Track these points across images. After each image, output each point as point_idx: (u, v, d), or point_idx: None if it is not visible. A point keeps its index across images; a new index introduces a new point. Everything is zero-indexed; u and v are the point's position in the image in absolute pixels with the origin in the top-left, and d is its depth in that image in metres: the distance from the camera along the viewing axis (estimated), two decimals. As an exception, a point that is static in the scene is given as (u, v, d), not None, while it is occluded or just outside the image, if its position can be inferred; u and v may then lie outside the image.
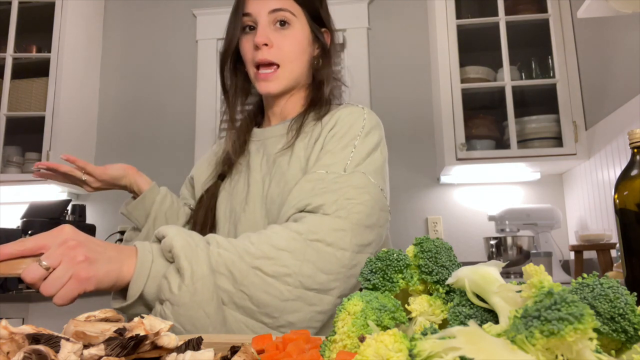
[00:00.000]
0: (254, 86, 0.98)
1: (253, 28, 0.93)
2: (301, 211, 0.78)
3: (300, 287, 0.70)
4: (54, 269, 0.58)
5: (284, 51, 0.91)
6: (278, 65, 0.92)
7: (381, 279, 0.44)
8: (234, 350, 0.39)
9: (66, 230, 0.61)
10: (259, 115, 1.06)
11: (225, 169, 0.99)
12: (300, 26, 0.94)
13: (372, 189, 0.81)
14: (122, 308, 0.66)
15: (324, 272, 0.72)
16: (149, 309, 0.66)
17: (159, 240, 0.68)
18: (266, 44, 0.90)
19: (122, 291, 0.67)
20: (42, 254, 0.59)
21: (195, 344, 0.39)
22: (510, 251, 2.16)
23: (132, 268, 0.64)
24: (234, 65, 1.00)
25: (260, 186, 0.92)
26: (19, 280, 2.15)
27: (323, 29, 0.99)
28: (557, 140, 2.22)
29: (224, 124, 1.02)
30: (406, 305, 0.42)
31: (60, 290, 0.58)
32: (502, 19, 2.31)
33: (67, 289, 0.58)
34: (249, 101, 1.07)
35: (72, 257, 0.58)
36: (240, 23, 0.94)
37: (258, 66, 0.92)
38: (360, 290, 0.45)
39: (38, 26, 2.64)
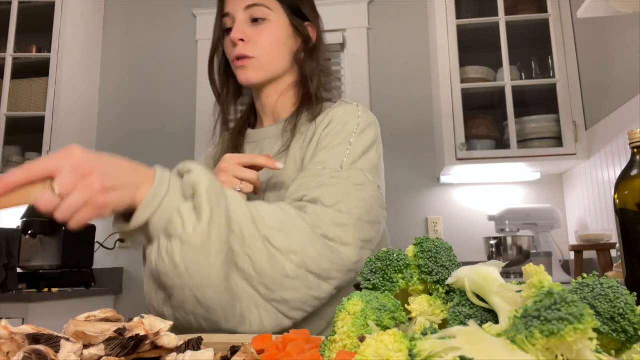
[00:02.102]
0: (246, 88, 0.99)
1: (230, 30, 0.94)
2: (299, 201, 0.77)
3: (302, 267, 0.68)
4: (67, 195, 0.56)
5: (260, 45, 0.92)
6: (253, 57, 0.92)
7: (381, 279, 0.44)
8: (234, 350, 0.39)
9: (77, 155, 0.57)
10: (252, 116, 1.06)
11: None
12: (277, 20, 0.94)
13: (370, 186, 0.80)
14: (122, 232, 0.64)
15: (328, 260, 0.71)
16: (149, 239, 0.63)
17: (181, 175, 0.66)
18: (242, 39, 0.91)
19: (124, 215, 0.64)
20: (51, 177, 0.56)
21: (195, 344, 0.39)
22: (510, 251, 2.16)
23: (144, 194, 0.61)
24: (224, 68, 1.01)
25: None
26: (19, 280, 2.15)
27: (306, 23, 0.98)
28: (557, 140, 2.22)
29: (218, 127, 1.02)
30: (406, 305, 0.42)
31: (75, 216, 0.57)
32: (502, 19, 2.31)
33: (82, 214, 0.57)
34: (243, 103, 1.07)
35: (87, 185, 0.56)
36: (220, 25, 0.96)
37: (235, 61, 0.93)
38: (360, 290, 0.45)
39: (38, 26, 2.64)
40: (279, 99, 0.97)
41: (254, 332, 0.66)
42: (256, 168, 0.83)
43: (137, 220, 0.61)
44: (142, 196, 0.61)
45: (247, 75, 0.92)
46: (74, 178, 0.56)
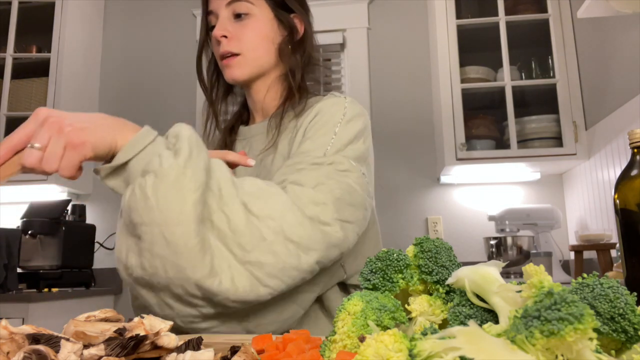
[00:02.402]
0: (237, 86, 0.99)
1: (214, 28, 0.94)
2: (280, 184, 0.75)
3: (280, 233, 0.66)
4: (46, 147, 0.59)
5: (244, 41, 0.91)
6: (239, 54, 0.92)
7: (381, 279, 0.44)
8: (234, 350, 0.39)
9: (43, 111, 0.61)
10: (244, 113, 1.05)
11: None
12: (260, 14, 0.93)
13: (354, 172, 0.78)
14: (101, 171, 0.64)
15: (307, 230, 0.68)
16: (127, 185, 0.63)
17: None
18: (225, 36, 0.90)
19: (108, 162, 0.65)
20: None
21: (195, 344, 0.39)
22: (510, 251, 2.16)
23: (127, 139, 0.63)
24: (214, 67, 1.01)
25: None
26: (19, 280, 2.15)
27: (292, 15, 0.97)
28: (557, 140, 2.22)
29: (209, 126, 1.03)
30: (406, 305, 0.42)
31: (61, 163, 0.59)
32: (502, 19, 2.31)
33: (67, 159, 0.59)
34: (235, 102, 1.08)
35: (58, 129, 0.59)
36: (207, 24, 0.96)
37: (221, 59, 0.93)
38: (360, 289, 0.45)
39: (38, 26, 2.64)
40: (267, 94, 0.96)
41: (224, 291, 0.62)
42: (230, 165, 0.81)
43: (118, 159, 0.62)
44: (124, 141, 0.63)
45: (232, 73, 0.92)
46: (46, 127, 0.59)
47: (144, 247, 0.60)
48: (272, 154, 0.90)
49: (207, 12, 0.95)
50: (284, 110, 0.92)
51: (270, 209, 0.66)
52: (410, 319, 0.42)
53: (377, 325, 0.38)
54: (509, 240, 2.16)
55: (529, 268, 0.37)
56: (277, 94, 0.97)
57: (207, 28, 0.96)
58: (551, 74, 2.34)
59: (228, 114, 1.08)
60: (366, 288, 0.44)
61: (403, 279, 0.44)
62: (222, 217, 0.63)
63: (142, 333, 0.37)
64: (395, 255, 0.44)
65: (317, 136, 0.81)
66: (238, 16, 0.92)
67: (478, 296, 0.38)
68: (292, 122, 0.91)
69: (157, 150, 0.62)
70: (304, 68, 0.96)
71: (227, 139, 0.99)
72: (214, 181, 0.64)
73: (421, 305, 0.42)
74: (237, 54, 0.91)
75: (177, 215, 0.59)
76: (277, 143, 0.90)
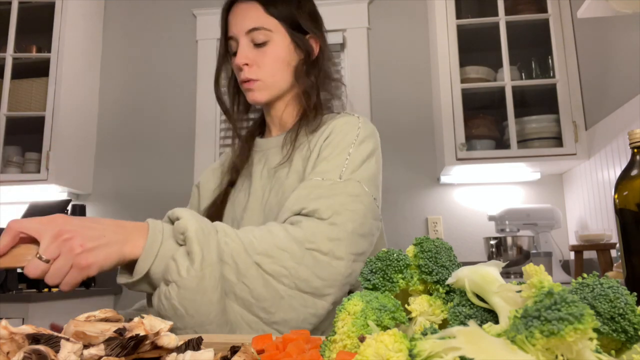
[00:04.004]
0: None
1: (236, 53, 0.97)
2: (296, 214, 0.79)
3: (295, 288, 0.71)
4: (54, 260, 0.60)
5: (264, 69, 0.95)
6: (258, 80, 0.96)
7: (381, 279, 0.44)
8: (234, 350, 0.39)
9: (59, 221, 0.62)
10: (262, 125, 1.09)
11: (233, 176, 1.03)
12: (279, 40, 0.96)
13: (366, 198, 0.83)
14: (127, 284, 0.68)
15: (319, 278, 0.73)
16: (153, 287, 0.67)
17: (172, 221, 0.70)
18: (247, 64, 0.94)
19: (128, 266, 0.68)
20: (35, 240, 0.61)
21: (195, 344, 0.39)
22: (510, 251, 2.16)
23: (138, 247, 0.65)
24: (234, 84, 1.05)
25: (260, 195, 0.95)
26: (19, 279, 2.15)
27: (308, 35, 0.99)
28: (557, 140, 2.22)
29: (225, 136, 1.06)
30: (406, 305, 0.42)
31: (64, 279, 0.61)
32: (502, 19, 2.31)
33: (70, 277, 0.61)
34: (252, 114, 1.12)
35: (69, 248, 0.60)
36: (225, 47, 0.99)
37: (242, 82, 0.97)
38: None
39: (38, 26, 2.64)
40: (285, 110, 1.01)
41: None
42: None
43: (137, 272, 0.65)
44: (133, 249, 0.65)
45: (254, 96, 0.96)
46: (57, 243, 0.60)
47: None
48: (286, 168, 0.94)
49: (226, 37, 0.98)
50: (299, 127, 0.96)
51: (282, 266, 0.71)
52: (410, 319, 0.42)
53: (377, 325, 0.38)
54: (509, 240, 2.16)
55: (529, 268, 0.37)
56: (294, 111, 1.01)
57: (226, 50, 0.99)
58: (551, 74, 2.34)
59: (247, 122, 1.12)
60: (366, 288, 0.44)
61: (403, 279, 0.44)
62: (244, 287, 0.69)
63: (142, 333, 0.37)
64: (395, 255, 0.44)
65: (332, 157, 0.86)
66: (257, 44, 0.95)
67: (478, 296, 0.38)
68: (306, 138, 0.95)
69: (169, 252, 0.66)
70: (320, 87, 1.00)
71: (246, 150, 1.04)
72: (227, 255, 0.68)
73: (421, 305, 0.42)
74: (256, 80, 0.95)
75: (206, 316, 0.64)
76: (291, 158, 0.94)
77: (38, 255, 0.60)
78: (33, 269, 0.60)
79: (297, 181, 0.90)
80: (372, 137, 0.91)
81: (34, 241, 0.62)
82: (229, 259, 0.68)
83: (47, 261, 0.60)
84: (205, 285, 0.64)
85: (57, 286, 0.62)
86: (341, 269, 0.75)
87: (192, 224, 0.66)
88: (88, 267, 0.61)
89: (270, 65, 0.95)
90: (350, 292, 0.86)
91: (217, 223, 0.72)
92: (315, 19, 1.02)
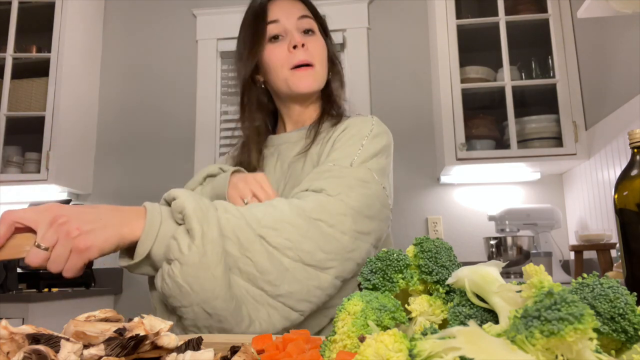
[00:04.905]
0: (279, 95, 1.01)
1: (277, 37, 0.96)
2: (304, 191, 0.80)
3: (299, 261, 0.71)
4: (53, 247, 0.60)
5: (315, 54, 0.96)
6: (313, 66, 0.96)
7: (381, 279, 0.44)
8: (234, 350, 0.39)
9: (54, 208, 0.62)
10: (272, 122, 1.10)
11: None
12: (319, 36, 0.99)
13: (375, 185, 0.83)
14: (128, 267, 0.67)
15: (323, 251, 0.73)
16: (155, 269, 0.67)
17: (168, 203, 0.70)
18: (303, 45, 0.94)
19: (128, 250, 0.68)
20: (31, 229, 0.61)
21: (195, 344, 0.39)
22: (510, 251, 2.16)
23: (137, 229, 0.65)
24: (251, 77, 1.01)
25: (275, 189, 0.95)
26: (19, 279, 2.15)
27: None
28: (557, 140, 2.22)
29: (225, 136, 1.06)
30: (406, 305, 0.42)
31: (65, 265, 0.61)
32: (502, 19, 2.31)
33: (72, 262, 0.61)
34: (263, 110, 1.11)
35: (66, 232, 0.60)
36: (265, 33, 0.96)
37: (292, 68, 0.95)
38: (361, 289, 0.45)
39: (38, 26, 2.64)
40: (306, 109, 1.02)
41: (264, 331, 0.69)
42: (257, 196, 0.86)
43: (139, 254, 0.65)
44: (132, 231, 0.65)
45: (308, 83, 0.95)
46: (54, 229, 0.60)
47: (188, 323, 0.66)
48: (302, 160, 0.94)
49: (268, 21, 0.96)
50: (320, 123, 0.97)
51: (286, 238, 0.71)
52: (410, 319, 0.42)
53: (377, 325, 0.38)
54: (509, 240, 2.16)
55: (529, 268, 0.37)
56: (314, 110, 1.02)
57: (266, 36, 0.96)
58: (551, 74, 2.34)
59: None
60: (366, 288, 0.44)
61: (403, 279, 0.44)
62: (247, 261, 0.68)
63: (142, 333, 0.37)
64: (395, 255, 0.44)
65: (345, 147, 0.87)
66: (306, 32, 0.97)
67: (478, 296, 0.38)
68: (325, 134, 0.95)
69: (170, 231, 0.66)
70: (342, 89, 1.04)
71: (257, 146, 1.02)
72: (228, 230, 0.68)
73: (421, 305, 0.42)
74: (311, 65, 0.95)
75: (212, 292, 0.63)
76: (308, 151, 0.94)
77: (36, 244, 0.59)
78: (33, 258, 0.60)
79: None
80: (385, 134, 0.92)
81: (31, 231, 0.61)
82: (231, 233, 0.68)
83: (46, 249, 0.59)
84: (208, 261, 0.63)
85: (60, 274, 0.61)
86: (345, 242, 0.76)
87: (189, 202, 0.66)
88: (87, 249, 0.61)
89: (320, 53, 0.97)
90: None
91: (217, 201, 0.72)
92: (330, 33, 1.07)
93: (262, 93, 1.03)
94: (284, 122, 1.04)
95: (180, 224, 0.66)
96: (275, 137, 1.03)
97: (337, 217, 0.76)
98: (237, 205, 0.75)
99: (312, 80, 0.95)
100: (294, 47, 0.93)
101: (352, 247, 0.77)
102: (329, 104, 1.01)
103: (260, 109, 1.04)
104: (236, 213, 0.70)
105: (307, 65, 0.94)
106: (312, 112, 1.02)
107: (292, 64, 0.94)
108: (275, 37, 0.96)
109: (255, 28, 0.96)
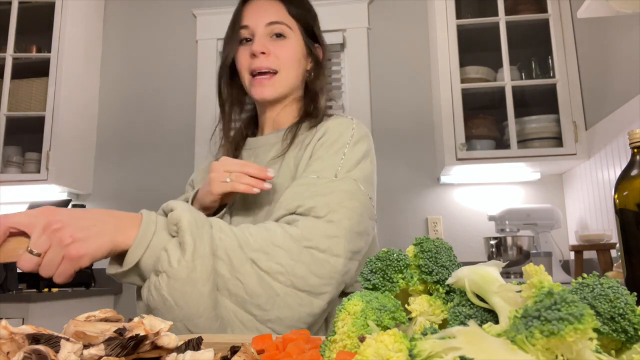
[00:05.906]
0: (249, 97, 1.02)
1: (249, 40, 0.96)
2: (292, 213, 0.78)
3: (291, 286, 0.70)
4: (45, 253, 0.60)
5: (281, 59, 0.94)
6: (275, 72, 0.94)
7: (381, 279, 0.44)
8: (234, 350, 0.39)
9: (48, 212, 0.61)
10: (252, 125, 1.08)
11: None
12: (296, 40, 0.97)
13: (362, 196, 0.82)
14: (116, 275, 0.66)
15: (316, 276, 0.72)
16: (143, 279, 0.66)
17: (166, 214, 0.69)
18: (263, 52, 0.93)
19: (118, 257, 0.67)
20: (25, 233, 0.61)
21: (195, 344, 0.39)
22: (510, 251, 2.16)
23: (131, 237, 0.64)
24: (230, 77, 1.02)
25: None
26: (19, 279, 2.15)
27: (316, 45, 1.02)
28: (557, 140, 2.22)
29: (217, 134, 1.05)
30: (406, 305, 0.42)
31: (57, 271, 0.61)
32: (502, 19, 2.31)
33: (63, 268, 0.61)
34: (244, 112, 1.10)
35: (59, 239, 0.60)
36: (237, 36, 0.97)
37: (252, 74, 0.95)
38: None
39: (38, 26, 2.64)
40: (282, 111, 1.00)
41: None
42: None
43: (128, 262, 0.64)
44: (125, 239, 0.64)
45: (264, 92, 0.94)
46: (47, 235, 0.60)
47: None
48: (278, 164, 0.93)
49: (240, 26, 0.96)
50: (299, 127, 0.96)
51: (278, 263, 0.70)
52: (410, 319, 0.42)
53: (377, 325, 0.38)
54: (509, 240, 2.16)
55: (529, 268, 0.37)
56: (291, 112, 1.01)
57: (237, 40, 0.97)
58: (551, 74, 2.34)
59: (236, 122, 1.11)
60: (366, 288, 0.44)
61: (403, 279, 0.44)
62: (237, 283, 0.67)
63: (142, 333, 0.37)
64: (395, 255, 0.44)
65: (327, 156, 0.85)
66: (276, 37, 0.95)
67: (478, 296, 0.38)
68: (301, 137, 0.94)
69: (162, 243, 0.65)
70: (325, 92, 1.01)
71: (234, 150, 1.02)
72: (221, 250, 0.67)
73: (421, 305, 0.42)
74: (273, 72, 0.94)
75: (196, 309, 0.63)
76: (285, 154, 0.93)
77: (29, 250, 0.59)
78: (25, 262, 0.60)
79: (288, 178, 0.89)
80: (366, 138, 0.91)
81: (25, 234, 0.61)
82: (223, 254, 0.67)
83: (39, 254, 0.59)
84: (196, 277, 0.63)
85: (51, 279, 0.61)
86: (339, 266, 0.75)
87: (185, 215, 0.65)
88: (79, 258, 0.60)
89: (288, 57, 0.95)
90: (344, 293, 0.86)
91: (212, 218, 0.72)
92: (322, 34, 1.05)
93: (241, 94, 1.03)
94: (262, 125, 1.04)
95: (174, 236, 0.65)
96: (254, 140, 1.01)
97: (328, 240, 0.75)
98: (220, 184, 0.74)
99: (271, 89, 0.94)
100: (253, 55, 0.93)
101: (345, 269, 0.76)
102: (310, 105, 0.99)
103: (238, 111, 1.05)
104: (230, 233, 0.70)
105: (268, 72, 0.93)
106: (290, 113, 1.01)
107: (250, 69, 0.95)
108: (247, 40, 0.96)
109: (231, 30, 0.98)
